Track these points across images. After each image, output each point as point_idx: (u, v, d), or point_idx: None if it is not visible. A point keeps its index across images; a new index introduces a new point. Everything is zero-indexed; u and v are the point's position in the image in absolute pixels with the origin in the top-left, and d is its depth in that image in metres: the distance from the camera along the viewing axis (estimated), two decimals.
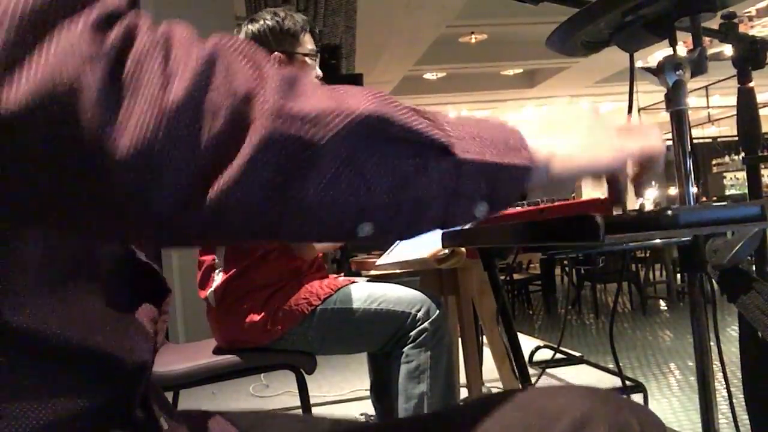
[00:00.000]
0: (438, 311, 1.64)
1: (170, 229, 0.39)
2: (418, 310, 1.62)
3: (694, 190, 0.74)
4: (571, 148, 0.52)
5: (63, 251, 0.45)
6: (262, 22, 1.72)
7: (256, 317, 1.60)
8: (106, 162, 0.35)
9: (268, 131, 0.38)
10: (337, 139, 0.40)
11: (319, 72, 1.79)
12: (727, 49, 1.11)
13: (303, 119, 0.39)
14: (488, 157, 0.46)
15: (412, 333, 1.61)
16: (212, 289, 1.67)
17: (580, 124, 0.54)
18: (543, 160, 0.50)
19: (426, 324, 1.62)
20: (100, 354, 0.46)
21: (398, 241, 1.84)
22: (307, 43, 1.76)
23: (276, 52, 1.71)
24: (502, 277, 1.51)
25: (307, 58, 1.74)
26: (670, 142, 0.73)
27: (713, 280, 0.80)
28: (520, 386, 1.55)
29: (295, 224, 0.42)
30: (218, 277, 1.67)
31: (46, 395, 0.43)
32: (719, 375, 0.84)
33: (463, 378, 1.98)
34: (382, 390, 1.84)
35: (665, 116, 0.76)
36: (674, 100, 0.73)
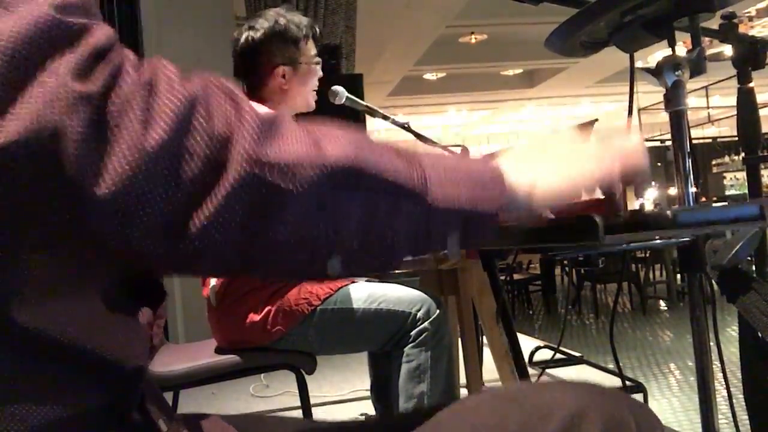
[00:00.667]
0: (438, 311, 1.64)
1: (150, 263, 0.41)
2: (419, 310, 1.62)
3: (693, 190, 0.74)
4: (551, 177, 0.53)
5: (66, 257, 0.46)
6: (262, 30, 1.69)
7: (257, 317, 1.60)
8: (87, 202, 0.36)
9: (241, 178, 0.39)
10: (308, 188, 0.42)
11: (320, 73, 1.78)
12: (727, 50, 1.11)
13: (276, 167, 0.41)
14: (463, 196, 0.48)
15: (413, 333, 1.61)
16: (212, 286, 1.67)
17: (560, 152, 0.56)
18: (523, 192, 0.52)
19: (426, 324, 1.61)
20: (99, 356, 0.47)
21: None
22: (310, 50, 1.75)
23: (280, 66, 1.69)
24: (502, 277, 1.51)
25: (310, 65, 1.73)
26: (669, 143, 0.73)
27: (713, 281, 0.80)
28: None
29: (267, 262, 0.44)
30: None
31: (43, 397, 0.43)
32: (719, 375, 0.84)
33: (463, 378, 1.98)
34: (383, 390, 1.84)
35: (665, 116, 0.76)
36: (673, 100, 0.73)
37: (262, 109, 0.45)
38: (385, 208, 0.45)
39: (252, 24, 1.72)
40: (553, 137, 0.58)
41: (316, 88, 1.79)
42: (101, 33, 0.39)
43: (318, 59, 1.77)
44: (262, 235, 0.41)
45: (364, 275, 0.54)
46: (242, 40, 1.72)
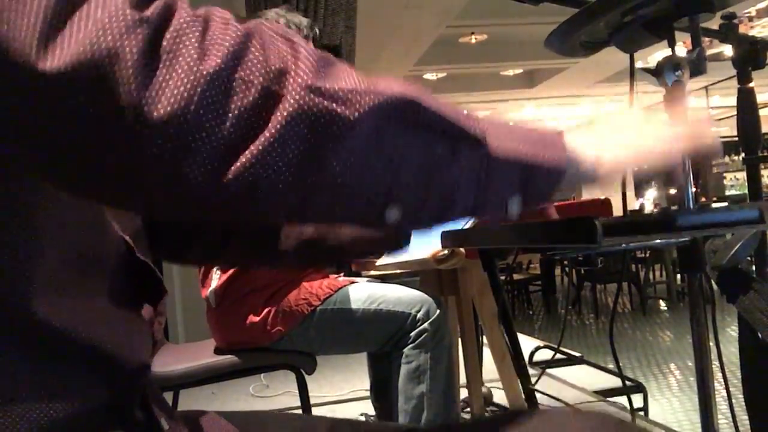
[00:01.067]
0: (438, 311, 1.64)
1: (197, 199, 0.39)
2: (418, 311, 1.62)
3: (693, 190, 0.74)
4: (619, 149, 0.52)
5: (71, 252, 0.46)
6: None
7: (256, 318, 1.60)
8: (140, 127, 0.36)
9: (298, 105, 0.39)
10: (367, 117, 0.40)
11: None
12: (727, 50, 1.11)
13: (333, 96, 0.40)
14: (522, 150, 0.46)
15: (412, 333, 1.61)
16: (212, 288, 1.67)
17: (629, 125, 0.54)
18: (588, 158, 0.50)
19: (426, 324, 1.61)
20: (103, 353, 0.47)
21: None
22: None
23: None
24: (502, 277, 1.51)
25: None
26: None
27: (712, 281, 0.80)
28: (521, 386, 1.55)
29: (322, 202, 0.42)
30: (216, 276, 1.67)
31: (48, 394, 0.43)
32: (719, 375, 0.84)
33: (463, 378, 1.98)
34: (382, 390, 1.84)
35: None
36: (673, 100, 0.73)
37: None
38: (442, 151, 0.44)
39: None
40: (622, 112, 0.56)
41: None
42: None
43: None
44: (320, 169, 0.40)
45: (421, 227, 0.51)
46: None
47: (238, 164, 0.38)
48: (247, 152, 0.38)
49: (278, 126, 0.38)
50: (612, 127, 0.54)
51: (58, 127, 0.36)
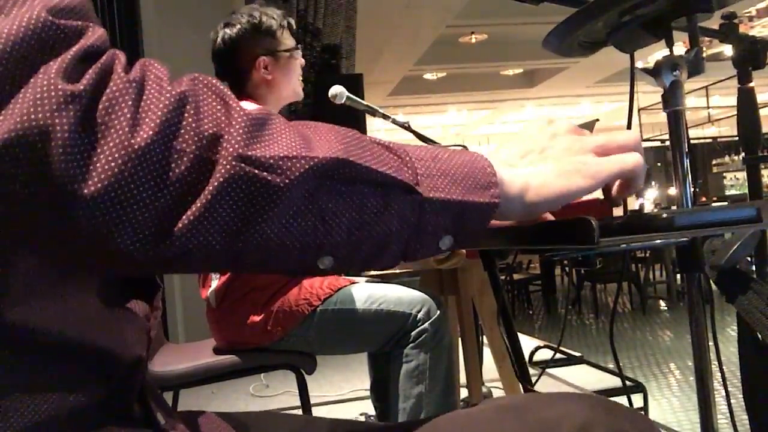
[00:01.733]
0: (438, 311, 1.64)
1: (136, 264, 0.40)
2: (419, 311, 1.62)
3: (692, 190, 0.74)
4: (546, 176, 0.52)
5: (55, 257, 0.46)
6: (238, 26, 1.72)
7: (257, 318, 1.60)
8: (73, 203, 0.36)
9: (229, 175, 0.39)
10: (298, 183, 0.41)
11: (303, 61, 1.81)
12: (727, 50, 1.11)
13: (264, 165, 0.40)
14: (454, 195, 0.47)
15: (413, 333, 1.61)
16: (212, 288, 1.67)
17: (555, 148, 0.54)
18: (516, 191, 0.51)
19: (426, 324, 1.61)
20: (97, 349, 0.47)
21: None
22: (287, 39, 1.77)
23: (261, 57, 1.71)
24: (502, 277, 1.51)
25: (290, 53, 1.75)
26: (669, 143, 0.73)
27: (711, 281, 0.80)
28: (521, 386, 1.55)
29: (256, 260, 0.43)
30: (216, 276, 1.67)
31: (44, 391, 0.43)
32: (718, 375, 0.84)
33: (463, 378, 1.98)
34: (382, 390, 1.84)
35: (664, 116, 0.76)
36: (671, 100, 0.73)
37: (250, 107, 0.44)
38: (375, 202, 0.45)
39: (227, 22, 1.75)
40: (548, 128, 0.56)
41: (302, 77, 1.82)
42: (93, 35, 0.39)
43: (298, 46, 1.80)
44: (252, 233, 0.41)
45: (356, 270, 0.53)
46: (219, 38, 1.74)
47: (171, 234, 0.39)
48: (179, 223, 0.39)
49: (210, 196, 0.39)
50: (537, 148, 0.54)
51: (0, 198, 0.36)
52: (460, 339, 1.91)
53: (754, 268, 1.09)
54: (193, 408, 0.63)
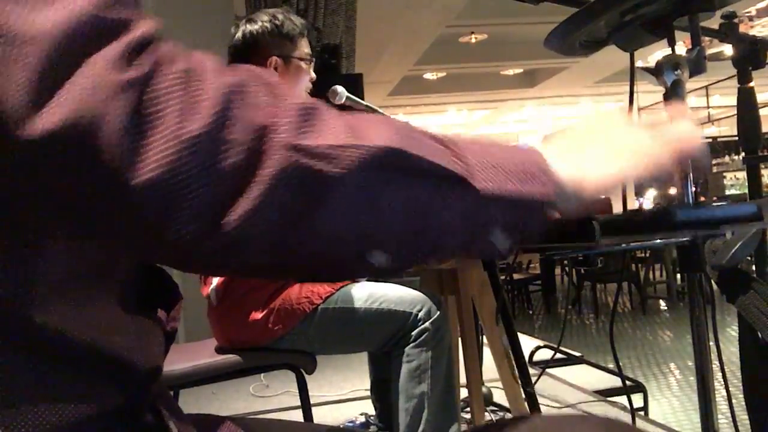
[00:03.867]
0: (439, 311, 1.64)
1: (186, 258, 0.40)
2: (419, 310, 1.62)
3: (693, 189, 0.74)
4: (601, 167, 0.50)
5: (85, 259, 0.46)
6: (260, 23, 1.72)
7: (258, 316, 1.60)
8: (125, 193, 0.36)
9: (282, 164, 0.39)
10: (352, 173, 0.40)
11: (313, 75, 1.79)
12: (728, 49, 1.11)
13: (317, 154, 0.40)
14: (509, 187, 0.45)
15: (413, 333, 1.61)
16: (213, 286, 1.67)
17: (611, 138, 0.52)
18: (571, 184, 0.49)
19: (427, 324, 1.62)
20: (116, 357, 0.47)
21: None
22: (304, 47, 1.76)
23: (273, 57, 1.71)
24: (502, 277, 1.51)
25: (302, 63, 1.74)
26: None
27: (712, 281, 0.80)
28: (521, 387, 1.55)
29: (308, 255, 0.42)
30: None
31: (61, 398, 0.43)
32: (719, 375, 0.84)
33: (463, 378, 1.98)
34: (383, 390, 1.84)
35: (664, 116, 0.76)
36: (673, 99, 0.73)
37: (299, 97, 0.44)
38: (431, 198, 0.44)
39: (250, 18, 1.75)
40: (602, 119, 0.54)
41: (310, 90, 1.80)
42: (142, 26, 0.38)
43: (311, 58, 1.78)
44: (305, 225, 0.40)
45: (409, 268, 0.51)
46: (239, 33, 1.74)
47: (223, 225, 0.38)
48: (231, 213, 0.38)
49: (262, 187, 0.38)
50: (592, 140, 0.53)
51: (50, 187, 0.36)
52: (460, 339, 1.91)
53: (754, 268, 1.09)
54: (193, 408, 0.63)
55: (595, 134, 0.54)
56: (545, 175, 0.47)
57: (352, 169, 0.40)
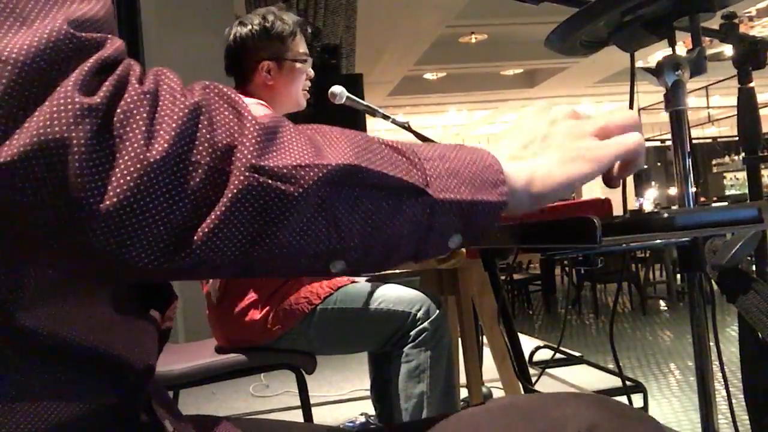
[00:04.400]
0: (438, 311, 1.64)
1: (150, 275, 0.40)
2: (418, 310, 1.62)
3: (693, 190, 0.74)
4: (549, 165, 0.52)
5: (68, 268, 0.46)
6: (250, 26, 1.71)
7: (257, 315, 1.60)
8: (88, 215, 0.36)
9: (245, 185, 0.40)
10: (310, 192, 0.42)
11: (311, 72, 1.78)
12: (728, 49, 1.11)
13: (277, 175, 0.41)
14: (464, 195, 0.47)
15: (412, 332, 1.61)
16: (212, 283, 1.67)
17: (556, 134, 0.53)
18: (522, 184, 0.51)
19: (426, 324, 1.61)
20: (110, 356, 0.47)
21: None
22: (299, 46, 1.75)
23: (264, 62, 1.70)
24: (502, 277, 1.51)
25: (296, 63, 1.73)
26: (669, 143, 0.73)
27: (712, 281, 0.80)
28: (522, 388, 1.55)
29: (268, 266, 0.44)
30: None
31: (54, 398, 0.43)
32: (719, 375, 0.84)
33: (463, 378, 1.97)
34: (383, 390, 1.84)
35: (665, 116, 0.76)
36: (673, 100, 0.73)
37: (260, 110, 0.44)
38: (387, 206, 0.45)
39: (242, 20, 1.74)
40: (547, 116, 0.55)
41: (308, 88, 1.79)
42: (110, 47, 0.39)
43: (307, 57, 1.77)
44: (266, 241, 0.41)
45: (367, 273, 0.55)
46: (231, 36, 1.73)
47: (185, 247, 0.39)
48: (194, 235, 0.39)
49: (224, 208, 0.39)
50: (538, 137, 0.53)
51: (12, 211, 0.36)
52: (459, 339, 1.91)
53: (754, 268, 1.09)
54: (192, 409, 0.63)
55: (540, 130, 0.54)
56: (499, 180, 0.49)
57: (312, 188, 0.42)
